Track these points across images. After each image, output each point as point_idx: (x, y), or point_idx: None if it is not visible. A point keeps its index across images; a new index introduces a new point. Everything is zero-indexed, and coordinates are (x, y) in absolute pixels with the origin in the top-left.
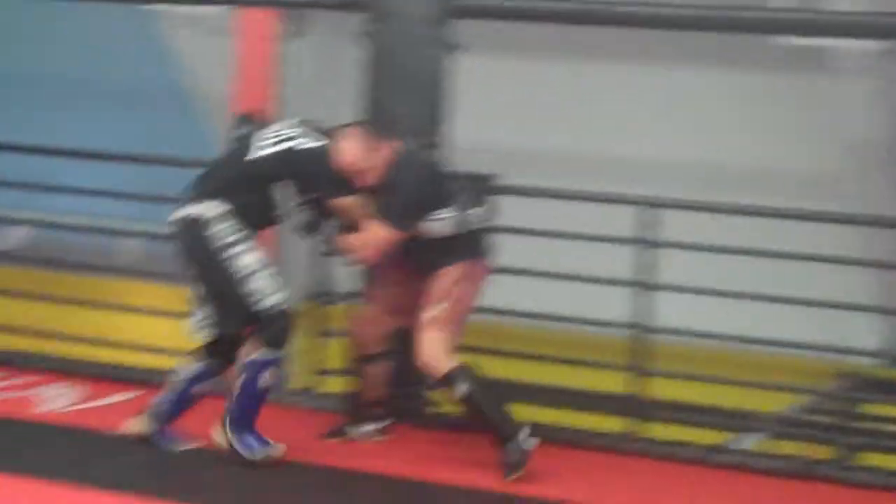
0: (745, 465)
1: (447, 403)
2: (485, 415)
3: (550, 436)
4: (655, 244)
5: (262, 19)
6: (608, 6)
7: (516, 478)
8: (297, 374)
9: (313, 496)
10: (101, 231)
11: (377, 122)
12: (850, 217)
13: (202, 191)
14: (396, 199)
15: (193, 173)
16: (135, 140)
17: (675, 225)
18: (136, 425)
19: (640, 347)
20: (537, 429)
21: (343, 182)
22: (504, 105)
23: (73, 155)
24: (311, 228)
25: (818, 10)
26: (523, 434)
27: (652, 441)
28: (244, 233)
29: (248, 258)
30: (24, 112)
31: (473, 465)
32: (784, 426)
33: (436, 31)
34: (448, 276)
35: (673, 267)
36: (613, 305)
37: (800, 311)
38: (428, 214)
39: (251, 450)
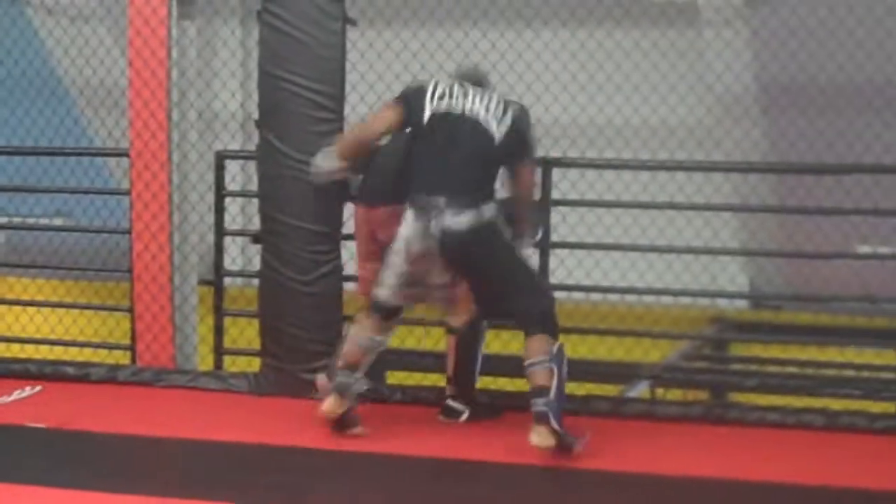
0: (647, 414)
1: None
2: None
3: None
4: (551, 204)
5: (152, 2)
6: None
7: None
8: (204, 356)
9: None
10: None
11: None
12: (734, 165)
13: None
14: None
15: (74, 164)
16: (7, 132)
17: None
18: None
19: None
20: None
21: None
22: (398, 76)
23: None
24: None
25: None
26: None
27: None
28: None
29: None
30: None
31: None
32: (668, 373)
33: (332, 6)
34: None
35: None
36: None
37: (677, 261)
38: None
39: (577, 441)
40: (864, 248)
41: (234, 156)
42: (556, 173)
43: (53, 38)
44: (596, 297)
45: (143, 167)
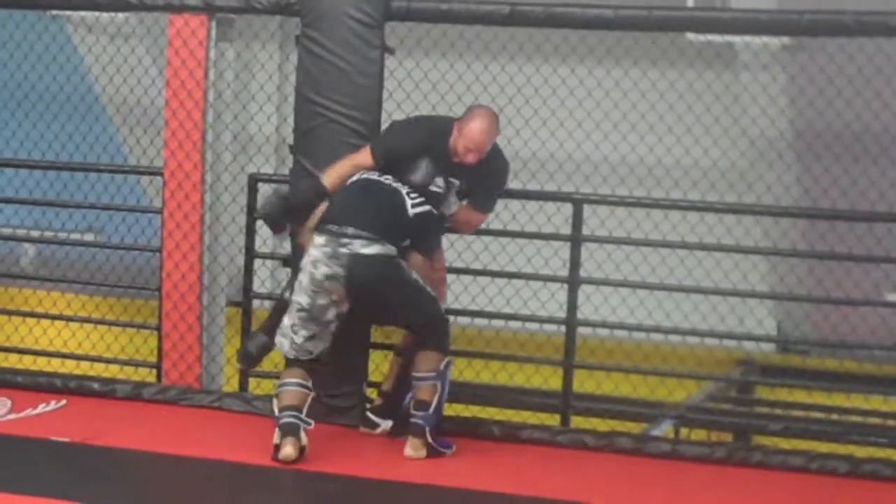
0: (670, 453)
1: None
2: None
3: (484, 431)
4: (582, 240)
5: (192, 24)
6: (533, 8)
7: None
8: (229, 377)
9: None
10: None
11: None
12: (766, 209)
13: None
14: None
15: (107, 180)
16: (43, 146)
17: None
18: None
19: (571, 343)
20: (470, 424)
21: None
22: (434, 106)
23: None
24: None
25: (725, 8)
26: None
27: (583, 432)
28: None
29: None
30: None
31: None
32: (693, 413)
33: (370, 34)
34: None
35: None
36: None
37: (705, 302)
38: None
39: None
40: (894, 296)
41: (268, 179)
42: (587, 210)
43: (92, 54)
44: (621, 334)
45: (177, 186)
